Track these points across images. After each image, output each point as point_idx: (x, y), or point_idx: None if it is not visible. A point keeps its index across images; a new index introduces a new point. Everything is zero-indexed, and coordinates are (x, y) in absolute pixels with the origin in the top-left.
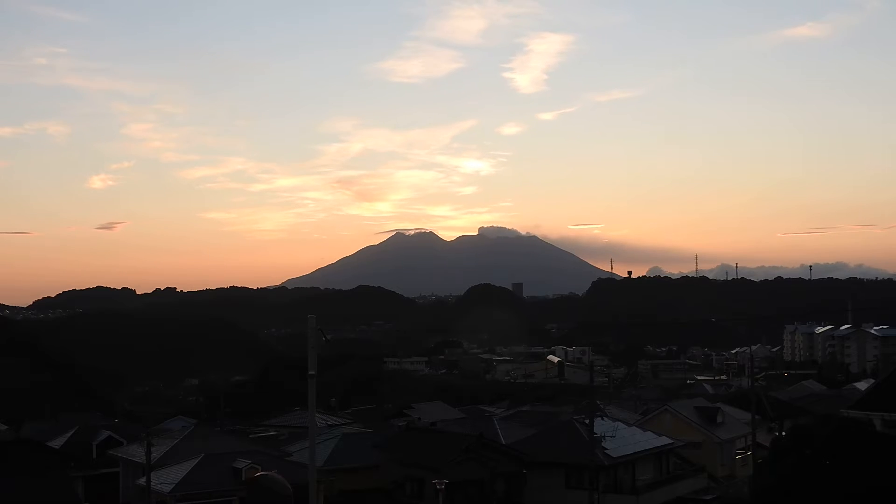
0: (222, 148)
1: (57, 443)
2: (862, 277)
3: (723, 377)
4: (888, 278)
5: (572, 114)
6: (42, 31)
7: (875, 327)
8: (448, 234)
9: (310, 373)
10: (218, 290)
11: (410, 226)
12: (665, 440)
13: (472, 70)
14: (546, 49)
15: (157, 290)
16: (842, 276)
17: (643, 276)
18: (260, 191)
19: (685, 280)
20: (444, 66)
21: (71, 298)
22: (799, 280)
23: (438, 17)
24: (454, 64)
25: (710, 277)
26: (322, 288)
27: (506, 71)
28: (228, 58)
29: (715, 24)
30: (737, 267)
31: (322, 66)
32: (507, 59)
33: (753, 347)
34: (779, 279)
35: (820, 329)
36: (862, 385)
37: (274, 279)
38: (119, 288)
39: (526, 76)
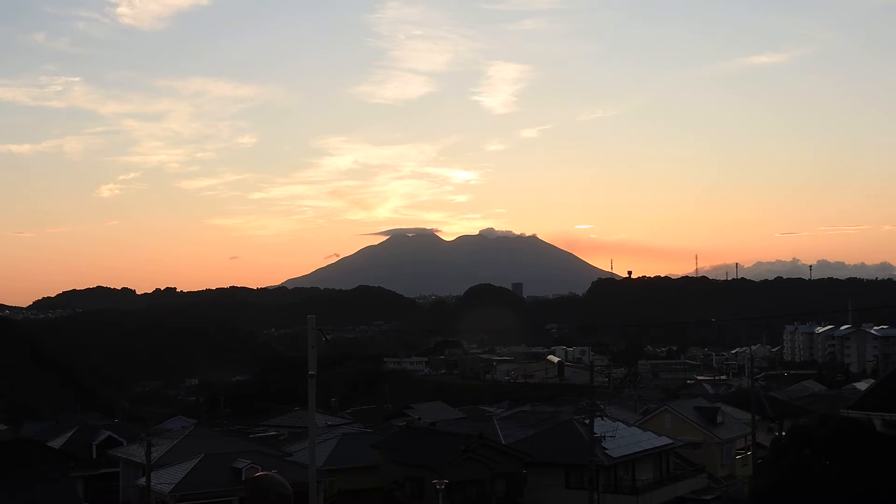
0: (223, 161)
1: (57, 443)
2: (862, 277)
3: (723, 377)
4: (888, 278)
5: (553, 130)
6: (56, 64)
7: (875, 327)
8: (448, 235)
9: (310, 373)
10: (218, 290)
11: (409, 227)
12: (665, 440)
13: (443, 93)
14: (506, 76)
15: (157, 290)
16: (842, 276)
17: (718, 277)
18: (259, 199)
19: (685, 280)
20: (416, 90)
21: (71, 298)
22: (799, 280)
23: (401, 50)
24: (425, 88)
25: (710, 277)
26: (322, 288)
27: (474, 95)
28: (225, 84)
29: (671, 55)
30: (737, 267)
31: (305, 92)
32: (474, 83)
33: (753, 347)
34: (779, 279)
35: (820, 329)
36: (862, 385)
37: (274, 279)
38: (119, 288)
39: (496, 99)
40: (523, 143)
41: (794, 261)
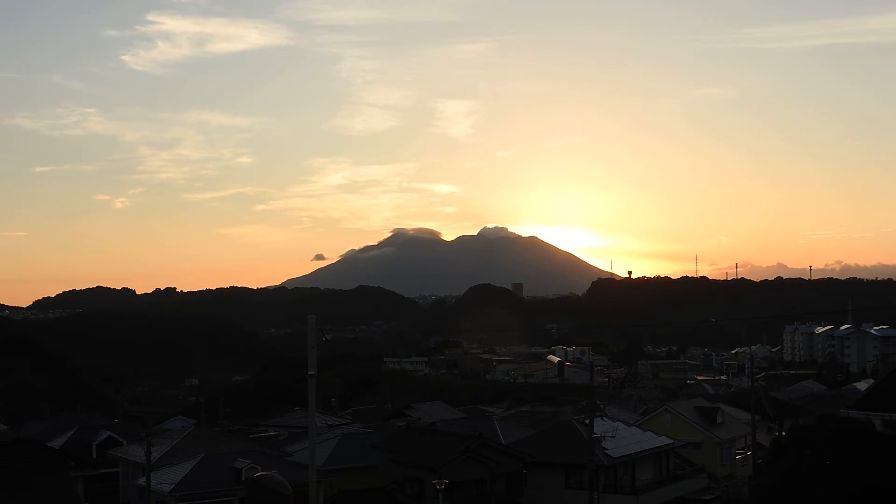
0: (225, 178)
1: (57, 443)
2: (862, 277)
3: (723, 377)
4: (888, 278)
5: (527, 150)
6: (71, 98)
7: (875, 327)
8: (448, 235)
9: (310, 373)
10: (218, 290)
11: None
12: (665, 440)
13: (406, 126)
14: (457, 110)
15: (157, 290)
16: (842, 276)
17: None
18: (260, 210)
19: (685, 280)
20: (382, 123)
21: (71, 298)
22: (799, 280)
23: (362, 91)
24: (389, 122)
25: (710, 277)
26: (322, 288)
27: (433, 128)
28: (220, 116)
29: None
30: (737, 267)
31: (291, 124)
32: (430, 116)
33: (753, 347)
34: (779, 279)
35: (820, 329)
36: (862, 385)
37: (274, 279)
38: (119, 288)
39: (457, 130)
40: (500, 160)
41: (795, 261)
